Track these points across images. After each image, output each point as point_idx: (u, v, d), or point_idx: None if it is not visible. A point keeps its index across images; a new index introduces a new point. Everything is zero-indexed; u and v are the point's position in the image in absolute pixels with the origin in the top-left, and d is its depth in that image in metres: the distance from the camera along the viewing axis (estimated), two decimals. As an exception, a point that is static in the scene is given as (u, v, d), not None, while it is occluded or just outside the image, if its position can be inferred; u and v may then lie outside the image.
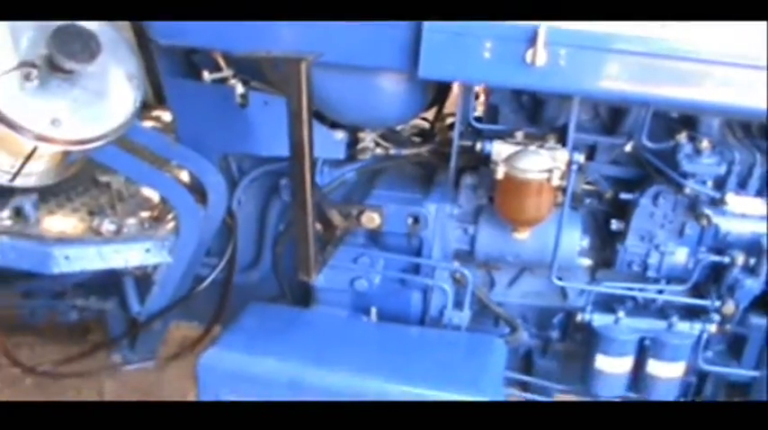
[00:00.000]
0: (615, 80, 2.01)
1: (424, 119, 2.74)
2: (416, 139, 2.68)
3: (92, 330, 3.06)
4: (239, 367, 2.19)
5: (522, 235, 2.31)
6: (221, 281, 2.63)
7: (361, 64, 2.14)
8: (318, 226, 2.23)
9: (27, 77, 2.11)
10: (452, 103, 2.63)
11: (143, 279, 2.53)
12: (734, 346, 2.53)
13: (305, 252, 2.09)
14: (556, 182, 2.19)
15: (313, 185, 2.04)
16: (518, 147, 2.22)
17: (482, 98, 2.53)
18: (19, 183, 2.43)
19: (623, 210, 2.41)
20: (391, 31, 2.05)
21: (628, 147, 2.33)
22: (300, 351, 2.24)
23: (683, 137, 2.23)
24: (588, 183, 2.43)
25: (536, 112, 2.36)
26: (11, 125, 2.11)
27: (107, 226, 2.37)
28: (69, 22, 2.16)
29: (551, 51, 1.97)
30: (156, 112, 2.97)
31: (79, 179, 2.63)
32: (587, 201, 2.45)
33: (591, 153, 2.40)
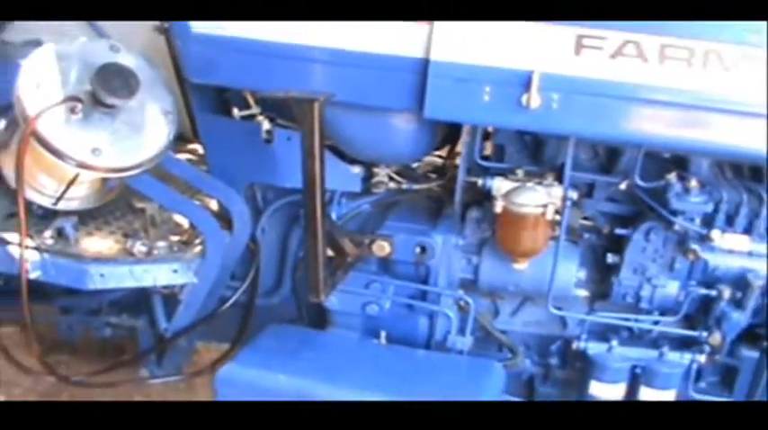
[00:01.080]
0: (604, 123, 2.22)
1: (440, 156, 2.97)
2: (432, 175, 2.91)
3: (125, 349, 3.33)
4: (254, 381, 2.42)
5: (521, 265, 2.52)
6: (244, 303, 2.86)
7: (374, 104, 2.38)
8: (330, 252, 2.47)
9: (72, 111, 2.39)
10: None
11: (170, 298, 2.78)
12: (726, 378, 2.69)
13: (314, 274, 2.33)
14: (550, 216, 2.41)
15: (323, 215, 2.28)
16: (517, 184, 2.44)
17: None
18: (61, 206, 2.72)
19: (618, 245, 2.60)
20: (400, 74, 2.29)
21: (623, 186, 2.52)
22: (313, 369, 2.46)
23: (673, 176, 2.43)
24: (586, 218, 2.63)
25: (537, 152, 2.58)
26: (56, 153, 2.39)
27: (139, 247, 2.63)
28: (112, 62, 2.45)
29: (544, 95, 2.19)
30: (192, 146, 3.24)
31: (117, 204, 2.90)
32: (586, 235, 2.65)
33: (589, 190, 2.60)
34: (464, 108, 2.28)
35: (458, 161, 2.88)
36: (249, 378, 2.43)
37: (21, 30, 3.07)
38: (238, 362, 2.47)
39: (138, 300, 2.92)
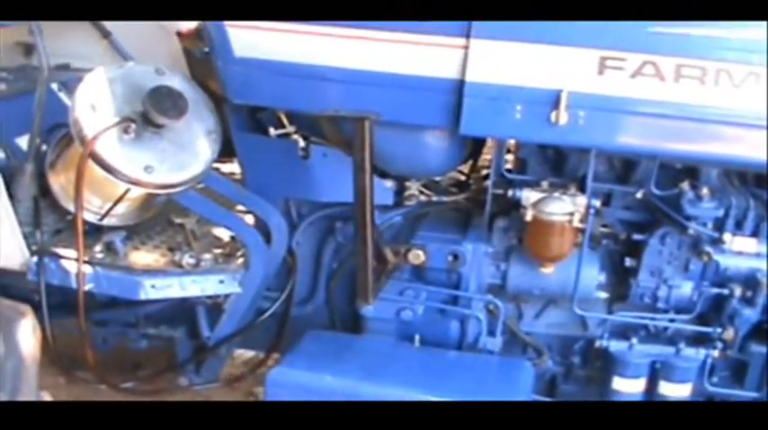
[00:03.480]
0: (626, 137, 2.54)
1: (459, 171, 3.27)
2: (453, 189, 3.20)
3: (142, 365, 3.58)
4: (302, 382, 2.68)
5: (548, 270, 2.82)
6: (279, 312, 3.13)
7: (412, 122, 2.68)
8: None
9: (125, 130, 2.66)
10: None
11: (213, 308, 3.04)
12: (737, 372, 2.99)
13: (364, 281, 2.61)
14: (576, 224, 2.72)
15: (373, 225, 2.57)
16: (544, 194, 2.75)
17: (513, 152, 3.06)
18: (105, 222, 2.98)
19: (635, 250, 2.90)
20: (437, 94, 2.59)
21: (639, 195, 2.83)
22: (355, 370, 2.73)
23: (685, 185, 2.74)
24: (605, 226, 2.94)
25: (559, 164, 2.89)
26: (111, 171, 2.65)
27: (187, 260, 2.89)
28: (163, 84, 2.71)
29: (571, 112, 2.49)
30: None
31: (156, 220, 3.16)
32: (604, 242, 2.95)
33: (607, 200, 2.90)
34: (497, 125, 2.59)
35: (482, 174, 3.20)
36: (297, 379, 2.68)
37: (51, 54, 3.32)
38: (286, 365, 2.73)
39: (175, 312, 3.17)
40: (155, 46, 3.59)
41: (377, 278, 2.71)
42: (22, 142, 3.13)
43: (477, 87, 2.54)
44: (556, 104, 2.49)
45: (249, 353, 3.55)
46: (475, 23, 2.50)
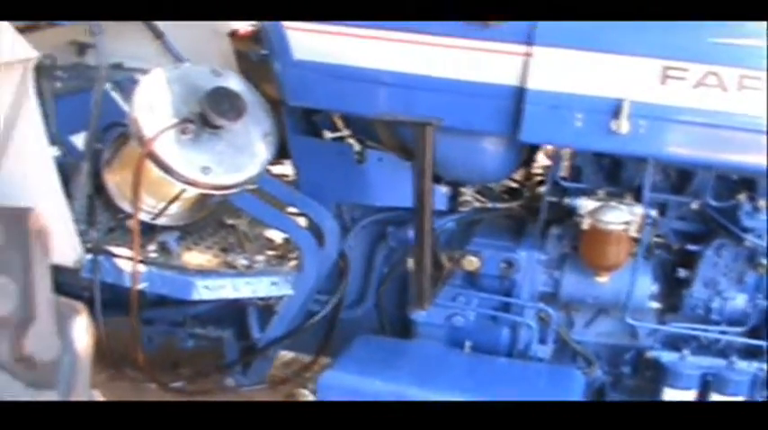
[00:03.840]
0: (686, 147, 2.55)
1: (511, 178, 3.28)
2: (505, 196, 3.22)
3: (181, 364, 3.60)
4: (353, 387, 2.70)
5: (603, 279, 2.83)
6: (327, 315, 3.14)
7: (470, 128, 2.69)
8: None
9: (183, 131, 2.69)
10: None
11: (265, 310, 3.06)
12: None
13: (420, 287, 2.63)
14: (633, 233, 2.72)
15: (432, 230, 2.58)
16: (600, 203, 2.75)
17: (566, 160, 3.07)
18: (157, 221, 3.00)
19: (689, 261, 2.91)
20: (497, 101, 2.60)
21: (694, 205, 2.83)
22: (406, 375, 2.75)
23: (743, 197, 2.75)
24: (658, 236, 2.94)
25: (614, 173, 2.89)
26: (169, 171, 2.68)
27: (240, 261, 2.93)
28: (221, 86, 2.74)
29: (633, 122, 2.51)
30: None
31: (208, 221, 3.19)
32: (657, 252, 2.96)
33: (662, 210, 2.91)
34: (557, 132, 2.60)
35: (536, 181, 3.21)
36: (349, 383, 2.70)
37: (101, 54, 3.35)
38: (338, 369, 2.75)
39: (222, 313, 3.19)
40: (206, 47, 3.62)
41: (433, 283, 2.72)
42: (76, 140, 3.16)
43: (539, 95, 2.56)
44: (617, 113, 2.50)
45: (289, 355, 3.56)
46: (538, 31, 2.52)
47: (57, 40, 3.32)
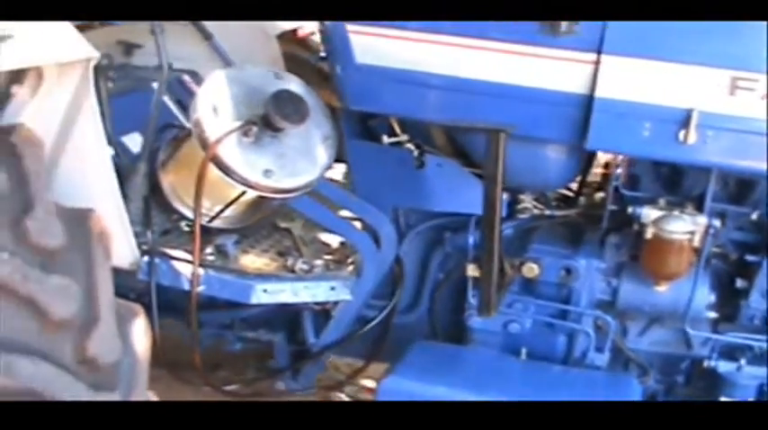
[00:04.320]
0: (752, 158, 2.56)
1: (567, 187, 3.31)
2: (561, 203, 3.23)
3: (221, 367, 3.60)
4: (414, 392, 2.70)
5: (662, 288, 2.84)
6: (381, 321, 3.15)
7: (536, 135, 2.71)
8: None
9: (245, 134, 2.68)
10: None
11: (321, 314, 3.07)
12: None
13: (487, 293, 2.64)
14: (695, 243, 2.74)
15: (500, 237, 2.60)
16: (663, 212, 2.77)
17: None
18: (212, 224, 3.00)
19: (746, 271, 2.92)
20: (564, 109, 2.62)
21: (754, 216, 2.85)
22: (465, 382, 2.76)
23: None
24: (717, 246, 2.96)
25: (674, 182, 2.91)
26: (229, 172, 2.68)
27: (300, 265, 2.92)
28: (284, 89, 2.74)
29: (700, 132, 2.53)
30: None
31: (262, 224, 3.19)
32: (714, 261, 2.98)
33: (721, 220, 2.92)
34: (624, 141, 2.62)
35: (593, 188, 3.23)
36: (409, 389, 2.71)
37: (147, 54, 3.35)
38: (398, 375, 2.75)
39: (274, 317, 3.19)
40: (255, 49, 3.64)
41: (497, 290, 2.74)
42: (128, 141, 3.16)
43: (607, 103, 2.57)
44: (685, 123, 2.52)
45: (337, 360, 3.58)
46: (607, 39, 2.53)
47: (103, 40, 3.32)
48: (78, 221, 2.30)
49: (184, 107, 3.38)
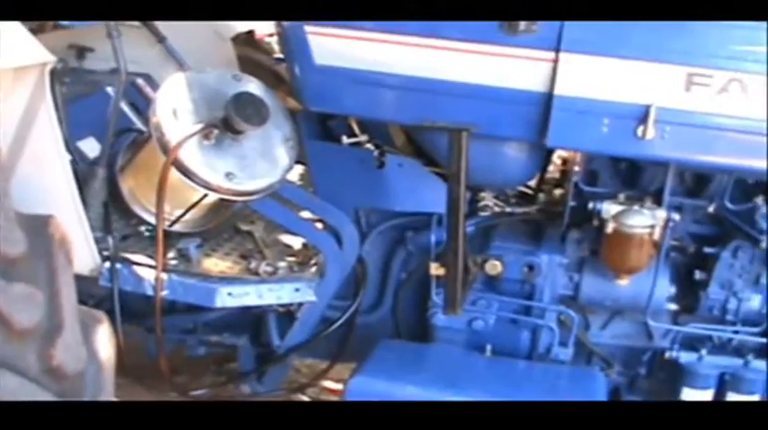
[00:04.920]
0: (709, 152, 2.63)
1: (527, 185, 3.35)
2: (521, 200, 3.28)
3: (185, 372, 3.60)
4: (381, 391, 2.72)
5: (624, 282, 2.90)
6: (345, 321, 3.16)
7: (497, 134, 2.74)
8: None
9: (206, 137, 2.68)
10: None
11: (285, 316, 3.07)
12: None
13: (452, 291, 2.67)
14: (655, 237, 2.80)
15: (464, 235, 2.62)
16: (623, 207, 2.82)
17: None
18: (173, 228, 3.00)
19: (705, 263, 2.99)
20: (524, 107, 2.65)
21: (711, 208, 2.92)
22: (431, 379, 2.78)
23: (760, 199, 2.84)
24: (675, 239, 3.02)
25: (632, 177, 2.96)
26: (191, 176, 2.67)
27: (264, 268, 2.93)
28: (245, 91, 2.74)
29: (658, 127, 2.58)
30: None
31: (223, 228, 3.19)
32: (672, 254, 3.04)
33: (678, 213, 2.98)
34: (584, 138, 2.67)
35: (552, 185, 3.27)
36: (376, 389, 2.72)
37: (100, 58, 3.34)
38: (366, 374, 2.77)
39: (238, 320, 3.19)
40: (209, 51, 3.63)
41: (461, 288, 2.76)
42: (84, 146, 3.14)
43: (566, 101, 2.61)
44: (643, 119, 2.57)
45: (299, 362, 3.59)
46: (565, 38, 2.57)
47: (55, 44, 3.29)
48: (39, 228, 2.27)
49: (139, 110, 3.38)
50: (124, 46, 3.04)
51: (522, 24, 2.53)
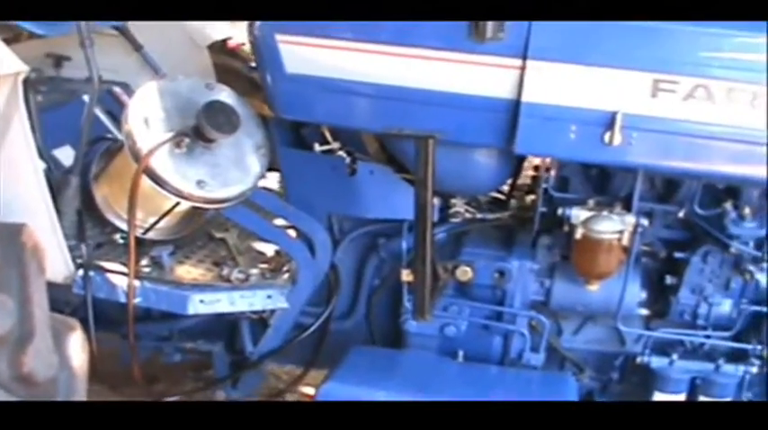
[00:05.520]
0: (676, 158, 2.66)
1: (499, 191, 3.39)
2: (493, 206, 3.32)
3: (159, 379, 3.64)
4: (353, 397, 2.76)
5: (594, 287, 2.94)
6: (318, 327, 3.21)
7: (466, 141, 2.78)
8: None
9: (177, 145, 2.73)
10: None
11: (257, 323, 3.12)
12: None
13: (422, 297, 2.71)
14: (624, 242, 2.85)
15: (432, 242, 2.67)
16: (593, 213, 2.87)
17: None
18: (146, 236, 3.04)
19: (675, 268, 3.04)
20: (492, 114, 2.70)
21: (681, 214, 2.96)
22: (403, 385, 2.82)
23: (729, 205, 2.88)
24: (645, 244, 3.07)
25: (602, 183, 3.01)
26: (162, 184, 2.72)
27: (236, 274, 2.97)
28: (216, 99, 2.79)
29: (625, 134, 2.62)
30: None
31: (196, 235, 3.24)
32: (643, 260, 3.09)
33: (648, 218, 3.02)
34: (552, 144, 2.71)
35: (524, 192, 3.32)
36: (349, 394, 2.76)
37: (77, 66, 3.38)
38: (337, 380, 2.81)
39: (212, 327, 3.24)
40: (185, 60, 3.68)
41: (431, 294, 2.81)
42: (59, 154, 3.19)
43: (533, 107, 2.65)
44: (610, 125, 2.61)
45: (277, 368, 3.63)
46: (532, 45, 2.61)
47: (32, 53, 3.33)
48: (11, 236, 2.32)
49: (116, 119, 3.42)
50: (101, 54, 3.08)
51: (489, 32, 2.57)
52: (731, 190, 2.94)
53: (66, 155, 3.20)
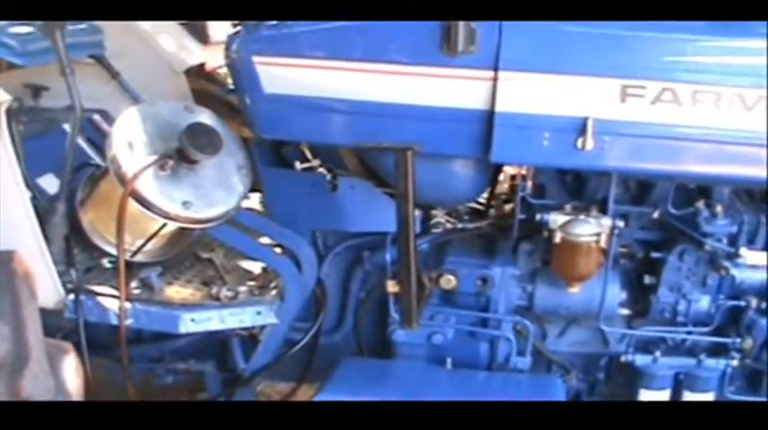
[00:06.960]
0: (648, 160, 2.83)
1: (476, 201, 3.56)
2: (473, 216, 3.49)
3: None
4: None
5: (575, 289, 3.11)
6: (308, 343, 3.35)
7: (443, 152, 2.94)
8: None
9: (162, 167, 2.88)
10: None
11: (248, 340, 3.26)
12: (753, 379, 3.29)
13: (408, 307, 2.86)
14: (602, 244, 3.01)
15: (416, 252, 2.83)
16: (570, 217, 3.03)
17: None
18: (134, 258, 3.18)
19: (653, 267, 3.20)
20: (467, 125, 2.85)
21: (655, 215, 3.13)
22: (394, 394, 2.95)
23: (701, 204, 3.05)
24: (623, 246, 3.24)
25: (578, 188, 3.18)
26: (149, 206, 2.86)
27: (225, 293, 3.11)
28: (198, 122, 2.94)
29: (597, 139, 2.78)
30: None
31: (184, 256, 3.38)
32: (622, 261, 3.26)
33: (624, 220, 3.19)
34: (527, 152, 2.86)
35: (502, 200, 3.49)
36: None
37: (55, 96, 3.52)
38: (329, 393, 2.95)
39: (203, 346, 3.37)
40: (162, 85, 3.82)
41: (417, 303, 2.96)
42: (43, 183, 3.33)
43: (507, 117, 2.80)
44: (582, 131, 2.77)
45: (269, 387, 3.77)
46: (503, 56, 2.77)
47: (11, 83, 3.47)
48: (1, 263, 2.45)
49: (96, 146, 3.57)
50: (79, 83, 3.22)
51: (461, 45, 2.73)
52: (703, 189, 3.12)
53: (49, 183, 3.33)
